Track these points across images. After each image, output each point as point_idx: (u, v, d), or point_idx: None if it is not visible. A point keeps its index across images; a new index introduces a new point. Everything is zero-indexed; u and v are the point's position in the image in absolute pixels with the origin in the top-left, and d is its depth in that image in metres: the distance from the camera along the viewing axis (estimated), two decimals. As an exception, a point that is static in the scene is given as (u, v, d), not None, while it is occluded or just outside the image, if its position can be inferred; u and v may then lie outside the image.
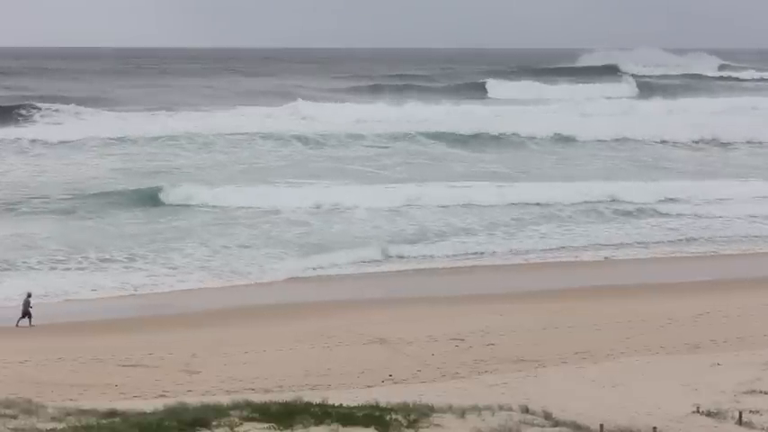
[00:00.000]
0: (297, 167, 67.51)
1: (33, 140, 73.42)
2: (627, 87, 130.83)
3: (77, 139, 74.39)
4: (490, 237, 48.14)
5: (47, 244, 44.44)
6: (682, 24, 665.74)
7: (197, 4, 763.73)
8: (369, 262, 43.64)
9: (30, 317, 33.87)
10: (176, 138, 75.78)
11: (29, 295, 34.51)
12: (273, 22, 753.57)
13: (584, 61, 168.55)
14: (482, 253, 45.56)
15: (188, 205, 53.63)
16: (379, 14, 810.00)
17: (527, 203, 55.11)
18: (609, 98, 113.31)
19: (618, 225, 51.41)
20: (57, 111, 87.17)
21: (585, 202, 55.46)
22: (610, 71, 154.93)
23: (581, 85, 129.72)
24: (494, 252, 45.80)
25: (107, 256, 42.74)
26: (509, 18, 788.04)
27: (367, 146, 77.40)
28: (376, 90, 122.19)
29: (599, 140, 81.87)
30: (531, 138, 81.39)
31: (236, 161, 70.15)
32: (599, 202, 55.58)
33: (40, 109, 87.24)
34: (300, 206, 53.50)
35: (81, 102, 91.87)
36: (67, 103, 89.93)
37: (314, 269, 42.24)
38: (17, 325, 33.72)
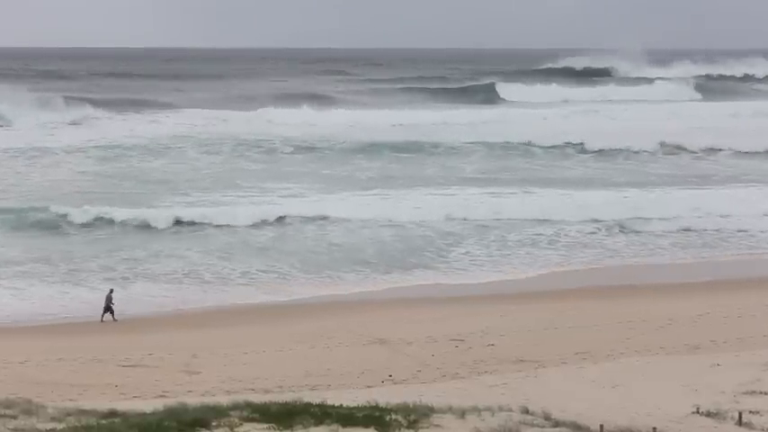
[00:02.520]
0: (267, 173, 64.83)
1: None
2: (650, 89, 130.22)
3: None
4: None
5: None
6: (683, 25, 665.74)
7: (196, 5, 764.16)
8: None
9: (112, 312, 34.42)
10: (135, 147, 73.30)
11: (111, 291, 35.19)
12: (273, 22, 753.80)
13: (586, 62, 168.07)
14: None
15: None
16: (380, 15, 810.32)
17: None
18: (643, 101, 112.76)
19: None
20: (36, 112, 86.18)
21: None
22: (616, 72, 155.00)
23: (585, 87, 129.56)
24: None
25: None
26: (509, 18, 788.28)
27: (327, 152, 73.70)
28: (373, 92, 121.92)
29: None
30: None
31: (198, 168, 67.15)
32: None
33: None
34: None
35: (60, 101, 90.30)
36: (50, 103, 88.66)
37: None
38: (102, 320, 34.30)
